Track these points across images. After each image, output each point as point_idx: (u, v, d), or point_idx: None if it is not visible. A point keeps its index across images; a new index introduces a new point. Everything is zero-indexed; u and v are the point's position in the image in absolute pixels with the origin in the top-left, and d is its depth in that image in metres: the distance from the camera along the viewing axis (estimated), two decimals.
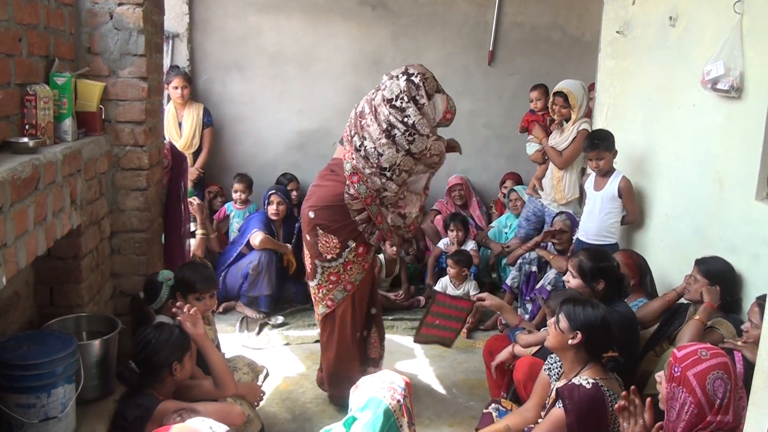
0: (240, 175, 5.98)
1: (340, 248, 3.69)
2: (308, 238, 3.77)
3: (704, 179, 3.97)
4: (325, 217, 3.67)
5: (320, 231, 3.69)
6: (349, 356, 3.87)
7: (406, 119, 3.47)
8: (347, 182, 3.62)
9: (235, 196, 5.89)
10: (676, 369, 2.42)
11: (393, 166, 3.53)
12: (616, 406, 2.59)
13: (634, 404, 2.56)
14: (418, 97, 3.50)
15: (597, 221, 4.63)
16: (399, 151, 3.50)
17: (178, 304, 3.18)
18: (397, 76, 3.56)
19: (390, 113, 3.48)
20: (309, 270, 3.86)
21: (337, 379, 3.89)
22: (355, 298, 3.80)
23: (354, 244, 3.70)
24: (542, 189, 5.50)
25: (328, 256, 3.71)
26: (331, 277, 3.75)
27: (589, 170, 4.82)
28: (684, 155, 4.24)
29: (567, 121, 5.29)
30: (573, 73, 6.33)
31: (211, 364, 3.15)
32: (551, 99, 5.30)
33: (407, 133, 3.47)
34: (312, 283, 3.86)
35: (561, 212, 5.24)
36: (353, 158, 3.59)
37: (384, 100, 3.52)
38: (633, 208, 4.63)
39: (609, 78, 5.33)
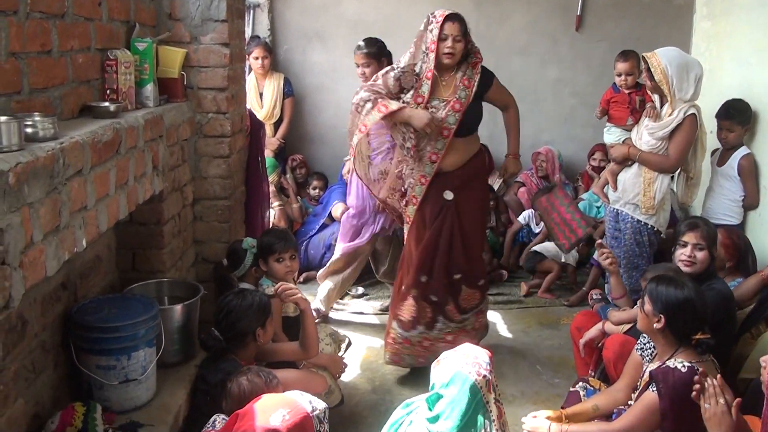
0: (318, 174, 6.03)
1: None
2: None
3: None
4: None
5: None
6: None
7: None
8: None
9: (313, 192, 5.88)
10: None
11: None
12: (692, 394, 2.39)
13: (712, 386, 2.37)
14: None
15: (716, 199, 4.36)
16: None
17: (276, 287, 3.14)
18: None
19: None
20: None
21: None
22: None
23: None
24: (615, 188, 4.24)
25: None
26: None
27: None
28: None
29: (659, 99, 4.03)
30: (665, 38, 5.96)
31: (305, 325, 3.09)
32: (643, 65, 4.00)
33: None
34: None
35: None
36: None
37: None
38: (751, 190, 4.29)
39: (705, 41, 5.03)
